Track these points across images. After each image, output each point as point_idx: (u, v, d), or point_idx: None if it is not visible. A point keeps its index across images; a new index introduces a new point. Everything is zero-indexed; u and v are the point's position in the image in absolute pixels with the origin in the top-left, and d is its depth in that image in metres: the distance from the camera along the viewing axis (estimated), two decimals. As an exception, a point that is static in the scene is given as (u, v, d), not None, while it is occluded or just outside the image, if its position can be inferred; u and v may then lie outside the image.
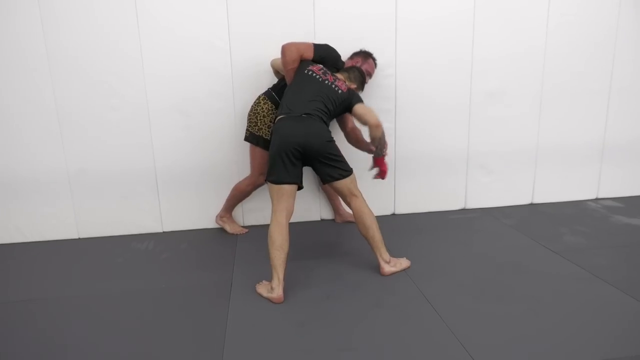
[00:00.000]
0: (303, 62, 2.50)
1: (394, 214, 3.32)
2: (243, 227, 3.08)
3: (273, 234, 2.19)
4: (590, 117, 3.39)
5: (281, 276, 2.15)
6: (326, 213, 3.24)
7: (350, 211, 2.52)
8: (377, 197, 3.24)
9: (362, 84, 2.62)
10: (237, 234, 2.99)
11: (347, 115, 2.58)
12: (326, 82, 2.40)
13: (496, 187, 3.40)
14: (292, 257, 2.48)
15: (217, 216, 3.03)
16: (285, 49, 2.47)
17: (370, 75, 2.83)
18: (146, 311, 2.09)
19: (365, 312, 2.03)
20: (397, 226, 3.08)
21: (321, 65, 2.52)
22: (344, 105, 2.42)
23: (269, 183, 2.27)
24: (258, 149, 2.75)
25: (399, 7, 2.98)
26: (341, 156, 2.32)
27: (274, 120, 2.46)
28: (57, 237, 2.99)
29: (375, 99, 3.05)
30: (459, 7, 3.05)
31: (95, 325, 1.99)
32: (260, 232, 2.90)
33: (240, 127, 2.92)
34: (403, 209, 3.33)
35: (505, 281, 2.28)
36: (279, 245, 2.17)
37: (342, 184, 2.31)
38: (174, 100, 2.89)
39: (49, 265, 2.63)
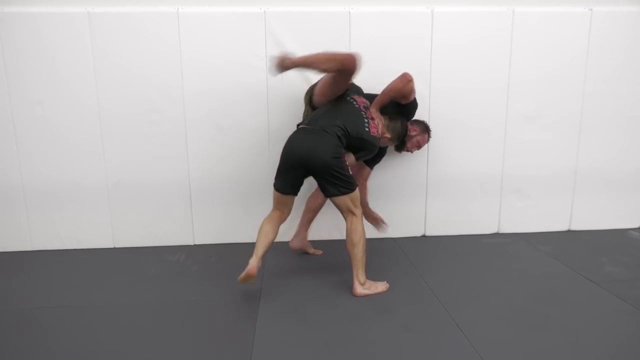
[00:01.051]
0: (351, 89, 2.57)
1: (424, 236, 3.27)
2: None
3: (263, 223, 2.41)
4: (631, 143, 3.27)
5: (260, 253, 2.30)
6: (338, 234, 3.18)
7: (306, 242, 2.87)
8: (407, 217, 3.22)
9: (397, 138, 2.67)
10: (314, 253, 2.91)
11: (368, 169, 2.86)
12: (362, 114, 2.46)
13: (532, 212, 3.30)
14: (322, 273, 2.48)
15: (295, 240, 2.86)
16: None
17: (419, 146, 2.87)
18: (175, 323, 2.12)
19: (392, 336, 1.99)
20: (427, 248, 3.04)
21: (367, 101, 2.59)
22: (364, 147, 2.45)
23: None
24: None
25: (435, 29, 2.99)
26: (346, 173, 2.31)
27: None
28: (94, 246, 3.09)
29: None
30: (496, 28, 3.03)
31: (125, 334, 2.03)
32: (286, 247, 2.92)
33: (274, 143, 2.97)
34: (434, 230, 3.27)
35: (540, 310, 2.19)
36: (264, 231, 2.37)
37: (341, 200, 2.34)
38: (210, 116, 2.97)
39: (84, 273, 2.71)
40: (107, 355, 1.87)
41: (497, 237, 3.23)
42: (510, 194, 3.26)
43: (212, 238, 3.14)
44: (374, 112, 2.58)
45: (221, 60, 2.92)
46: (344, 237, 3.14)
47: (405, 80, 2.60)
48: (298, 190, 2.43)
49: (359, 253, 2.35)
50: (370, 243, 3.07)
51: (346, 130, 2.35)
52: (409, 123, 2.77)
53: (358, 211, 2.38)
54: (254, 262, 2.26)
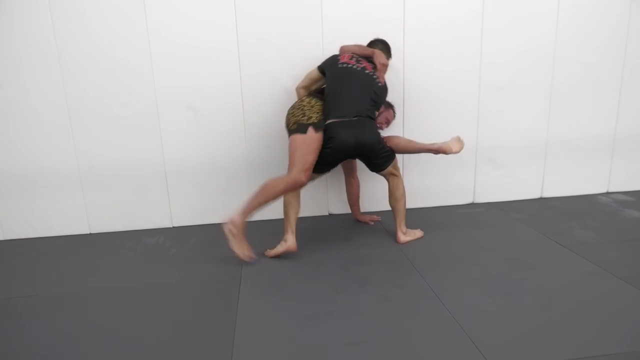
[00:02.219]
0: (331, 58, 2.67)
1: (402, 209, 3.31)
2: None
3: (287, 197, 2.51)
4: (601, 110, 3.36)
5: (294, 228, 2.51)
6: (335, 207, 3.25)
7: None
8: (383, 192, 3.25)
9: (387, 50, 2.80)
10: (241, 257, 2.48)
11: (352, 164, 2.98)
12: (365, 71, 2.58)
13: (505, 182, 3.38)
14: (301, 251, 2.50)
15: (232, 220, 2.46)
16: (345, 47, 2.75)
17: (387, 122, 2.94)
18: (157, 305, 2.12)
19: (373, 307, 2.03)
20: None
21: (350, 53, 2.66)
22: (383, 98, 2.66)
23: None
24: (308, 135, 2.46)
25: (407, 1, 2.96)
26: (386, 149, 2.58)
27: (324, 121, 2.51)
28: (69, 232, 3.03)
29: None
30: (468, 1, 3.02)
31: (107, 319, 2.01)
32: (267, 226, 2.93)
33: (249, 123, 2.93)
34: (411, 203, 3.29)
35: (514, 276, 2.27)
36: (292, 205, 2.52)
37: (386, 170, 2.63)
38: (182, 97, 2.91)
39: (60, 259, 2.66)
40: (88, 340, 1.85)
41: (473, 207, 3.31)
42: (485, 164, 3.32)
43: (190, 219, 3.11)
44: (378, 55, 2.64)
45: (190, 38, 2.84)
46: (322, 213, 3.20)
47: (380, 64, 2.63)
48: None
49: (401, 207, 2.69)
50: (348, 217, 3.13)
51: (374, 102, 2.55)
52: None
53: (398, 172, 2.67)
54: (293, 239, 2.50)
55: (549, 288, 2.14)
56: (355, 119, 2.45)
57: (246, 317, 1.98)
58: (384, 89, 2.64)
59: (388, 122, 2.95)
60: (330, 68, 2.63)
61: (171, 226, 3.11)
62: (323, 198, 3.20)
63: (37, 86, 2.79)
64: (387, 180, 2.68)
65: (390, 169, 2.63)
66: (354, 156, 2.61)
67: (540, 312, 1.95)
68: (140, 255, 2.68)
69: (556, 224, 2.92)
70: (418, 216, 3.17)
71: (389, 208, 3.26)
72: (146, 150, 2.96)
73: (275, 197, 2.43)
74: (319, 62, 2.76)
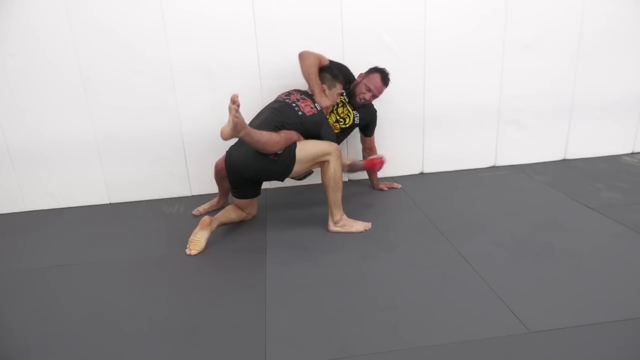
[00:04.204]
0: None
1: (422, 173, 3.27)
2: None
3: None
4: (629, 67, 3.22)
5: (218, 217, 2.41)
6: (353, 174, 3.20)
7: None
8: (405, 155, 3.20)
9: (341, 87, 2.58)
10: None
11: (367, 138, 2.88)
12: (287, 100, 2.43)
13: (528, 143, 3.30)
14: (323, 218, 2.47)
15: None
16: (303, 54, 2.51)
17: (372, 90, 2.65)
18: (183, 274, 2.12)
19: (402, 272, 2.02)
20: (427, 185, 3.04)
21: (295, 91, 2.52)
22: (303, 128, 2.37)
23: None
24: None
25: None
26: (275, 165, 2.28)
27: None
28: (89, 203, 3.02)
29: (404, 53, 2.95)
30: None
31: (135, 289, 2.03)
32: (288, 192, 2.91)
33: (266, 88, 2.86)
34: (432, 167, 3.27)
35: (542, 239, 2.24)
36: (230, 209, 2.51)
37: (304, 169, 2.39)
38: (197, 61, 2.82)
39: (82, 230, 2.67)
40: (120, 308, 1.87)
41: (495, 170, 3.25)
42: (507, 125, 3.23)
43: (210, 188, 3.08)
44: (318, 96, 2.48)
45: (205, 2, 2.72)
46: (346, 178, 3.16)
47: (301, 63, 2.52)
48: (248, 193, 2.48)
49: (330, 195, 2.37)
50: (367, 183, 3.09)
51: (281, 120, 2.30)
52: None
53: (328, 156, 2.31)
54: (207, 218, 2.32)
55: (579, 250, 2.11)
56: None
57: (275, 283, 1.98)
58: (305, 117, 2.37)
59: (371, 91, 2.65)
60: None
61: (190, 195, 3.09)
62: (342, 164, 3.15)
63: (49, 54, 2.71)
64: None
65: (305, 167, 2.35)
66: (246, 178, 2.39)
67: (572, 275, 1.93)
68: (161, 225, 2.68)
69: (582, 186, 2.86)
70: (439, 180, 3.13)
71: (410, 172, 3.23)
72: (163, 118, 2.91)
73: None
74: (336, 25, 2.80)
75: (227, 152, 2.41)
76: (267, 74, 2.87)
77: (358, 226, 2.43)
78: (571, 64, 3.15)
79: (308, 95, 2.52)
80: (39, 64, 2.72)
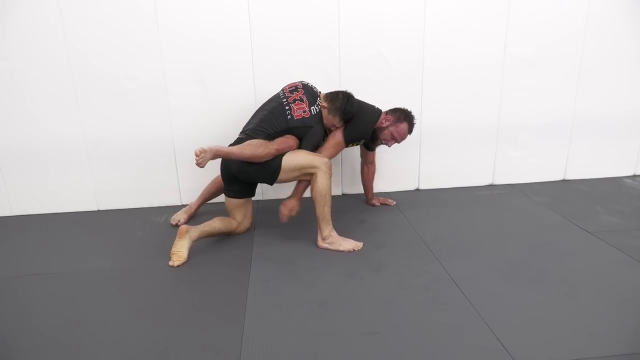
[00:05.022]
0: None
1: (417, 190, 3.20)
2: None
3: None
4: (632, 87, 3.15)
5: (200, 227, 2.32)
6: (348, 188, 3.14)
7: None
8: (401, 171, 3.14)
9: (342, 112, 2.41)
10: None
11: (369, 152, 2.76)
12: (284, 100, 2.41)
13: (527, 162, 3.23)
14: (314, 232, 2.41)
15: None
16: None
17: (396, 139, 2.56)
18: (166, 285, 2.06)
19: (388, 293, 1.94)
20: (421, 202, 2.98)
21: (302, 88, 2.47)
22: (292, 133, 2.35)
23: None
24: None
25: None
26: (263, 170, 2.29)
27: None
28: (77, 209, 2.97)
29: (401, 67, 2.91)
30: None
31: (116, 299, 1.96)
32: (278, 205, 2.84)
33: (260, 99, 2.80)
34: (428, 184, 3.20)
35: (537, 263, 2.16)
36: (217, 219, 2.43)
37: (290, 178, 2.37)
38: (190, 69, 2.78)
39: (68, 237, 2.61)
40: (98, 321, 1.80)
41: (492, 189, 3.18)
42: (506, 143, 3.17)
43: (200, 197, 3.03)
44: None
45: (199, 10, 2.69)
46: (335, 193, 3.09)
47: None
48: (241, 193, 2.45)
49: (318, 209, 2.31)
50: (361, 197, 3.02)
51: (269, 130, 2.31)
52: (384, 112, 2.56)
53: (316, 169, 2.27)
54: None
55: (575, 277, 2.03)
56: (244, 137, 2.32)
57: (257, 299, 1.91)
58: (293, 122, 2.35)
59: (395, 139, 2.55)
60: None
61: (180, 204, 3.03)
62: (336, 178, 3.09)
63: (41, 57, 2.67)
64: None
65: (293, 176, 2.34)
66: (237, 178, 2.37)
67: (566, 303, 1.85)
68: (148, 233, 2.62)
69: (581, 208, 2.78)
70: (435, 197, 3.06)
71: (405, 188, 3.17)
72: (154, 125, 2.86)
73: None
74: (332, 32, 2.76)
75: None
76: (261, 81, 2.82)
77: (347, 245, 2.34)
78: (573, 82, 3.09)
79: (311, 95, 2.44)
80: (31, 68, 2.69)
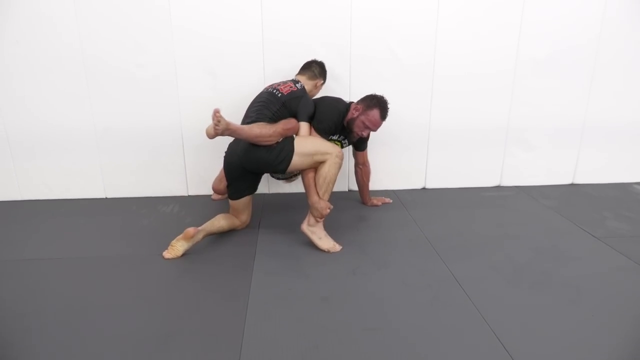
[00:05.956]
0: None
1: (424, 188, 3.19)
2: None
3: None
4: (645, 92, 3.12)
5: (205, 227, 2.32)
6: (354, 184, 3.13)
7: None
8: (406, 168, 3.13)
9: (314, 74, 2.59)
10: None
11: (358, 153, 2.76)
12: (270, 89, 2.44)
13: (535, 165, 3.21)
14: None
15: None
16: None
17: (368, 127, 2.43)
18: (168, 277, 2.07)
19: (391, 291, 1.94)
20: (427, 201, 2.97)
21: (279, 81, 2.52)
22: (287, 109, 2.36)
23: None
24: None
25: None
26: (276, 159, 2.26)
27: None
28: (85, 196, 2.99)
29: (412, 65, 2.89)
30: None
31: (120, 286, 1.98)
32: (285, 199, 2.85)
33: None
34: (434, 183, 3.19)
35: (542, 267, 2.15)
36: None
37: (299, 168, 2.33)
38: (201, 60, 2.78)
39: (75, 223, 2.63)
40: (101, 306, 1.82)
41: (499, 190, 3.16)
42: (515, 144, 3.15)
43: (207, 189, 3.03)
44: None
45: (212, 0, 2.70)
46: (341, 189, 3.09)
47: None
48: (244, 192, 2.44)
49: (319, 182, 2.29)
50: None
51: (265, 114, 2.31)
52: (352, 103, 2.50)
53: (325, 157, 2.25)
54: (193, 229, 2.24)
55: (579, 282, 2.02)
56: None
57: (259, 293, 1.92)
58: (284, 97, 2.36)
59: (368, 127, 2.43)
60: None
61: (187, 195, 3.05)
62: (344, 173, 3.09)
63: (53, 45, 2.69)
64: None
65: (302, 164, 2.28)
66: (247, 170, 2.36)
67: (570, 308, 1.84)
68: (155, 223, 2.63)
69: (588, 213, 2.76)
70: (441, 196, 3.05)
71: (411, 187, 3.16)
72: (163, 114, 2.87)
73: None
74: (344, 27, 2.76)
75: (228, 144, 2.42)
76: (272, 74, 2.81)
77: (326, 243, 2.29)
78: (585, 86, 3.06)
79: (290, 80, 2.51)
80: (43, 53, 2.71)
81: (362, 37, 2.82)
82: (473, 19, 2.86)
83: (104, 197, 3.01)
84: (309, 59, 2.70)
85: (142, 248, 2.33)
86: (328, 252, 2.27)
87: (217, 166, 2.98)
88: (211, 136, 2.12)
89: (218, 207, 2.83)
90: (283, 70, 2.75)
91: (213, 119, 2.00)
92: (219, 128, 2.01)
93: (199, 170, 3.00)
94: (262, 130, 2.19)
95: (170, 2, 2.67)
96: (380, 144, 2.92)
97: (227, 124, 2.05)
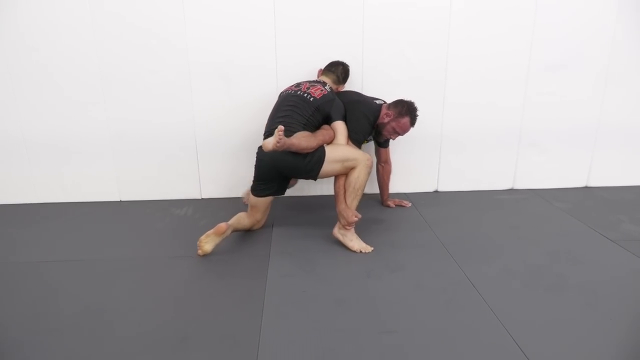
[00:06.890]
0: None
1: (437, 191, 3.19)
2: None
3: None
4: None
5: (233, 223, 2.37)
6: (367, 187, 3.12)
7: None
8: (419, 172, 3.13)
9: (338, 80, 2.66)
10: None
11: (381, 149, 2.80)
12: (298, 92, 2.45)
13: (549, 168, 3.19)
14: (330, 230, 2.41)
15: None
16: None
17: (397, 133, 2.55)
18: (185, 277, 2.09)
19: (405, 294, 1.94)
20: (440, 204, 2.96)
21: (303, 82, 2.56)
22: (321, 113, 2.42)
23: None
24: None
25: (456, -31, 2.76)
26: (305, 163, 2.29)
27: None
28: (100, 199, 3.03)
29: (424, 70, 2.89)
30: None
31: (136, 288, 2.00)
32: (298, 200, 2.86)
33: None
34: (447, 186, 3.18)
35: (557, 270, 2.13)
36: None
37: (330, 174, 2.37)
38: (215, 65, 2.81)
39: (90, 226, 2.67)
40: (116, 309, 1.84)
41: (512, 193, 3.14)
42: (528, 147, 3.13)
43: (220, 192, 3.07)
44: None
45: (225, 5, 2.72)
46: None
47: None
48: (270, 192, 2.45)
49: (349, 192, 2.35)
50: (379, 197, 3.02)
51: (299, 117, 2.35)
52: (384, 106, 2.56)
53: (353, 163, 2.31)
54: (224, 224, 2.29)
55: (595, 285, 2.00)
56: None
57: (274, 295, 1.93)
58: (317, 102, 2.41)
59: (397, 133, 2.55)
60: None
61: (200, 198, 3.08)
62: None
63: (71, 50, 2.74)
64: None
65: (332, 171, 2.34)
66: (278, 171, 2.38)
67: (586, 311, 1.82)
68: (168, 226, 2.66)
69: (603, 216, 2.74)
70: (454, 199, 3.04)
71: (424, 190, 3.16)
72: (177, 119, 2.90)
73: None
74: (356, 31, 2.80)
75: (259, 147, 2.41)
76: (285, 80, 2.83)
77: (357, 244, 2.33)
78: (599, 87, 3.04)
79: (316, 82, 2.54)
80: (60, 59, 2.75)
81: (374, 41, 2.83)
82: (484, 22, 2.86)
83: (119, 200, 3.05)
84: (322, 63, 2.72)
85: (157, 250, 2.35)
86: (360, 252, 2.30)
87: (229, 169, 3.02)
88: (269, 150, 2.17)
89: (230, 209, 2.84)
90: (296, 75, 2.76)
91: (275, 137, 2.09)
92: (279, 145, 2.10)
93: (212, 174, 3.02)
94: (310, 144, 2.25)
95: (184, 8, 2.70)
96: (393, 147, 2.92)
97: (286, 143, 2.13)
